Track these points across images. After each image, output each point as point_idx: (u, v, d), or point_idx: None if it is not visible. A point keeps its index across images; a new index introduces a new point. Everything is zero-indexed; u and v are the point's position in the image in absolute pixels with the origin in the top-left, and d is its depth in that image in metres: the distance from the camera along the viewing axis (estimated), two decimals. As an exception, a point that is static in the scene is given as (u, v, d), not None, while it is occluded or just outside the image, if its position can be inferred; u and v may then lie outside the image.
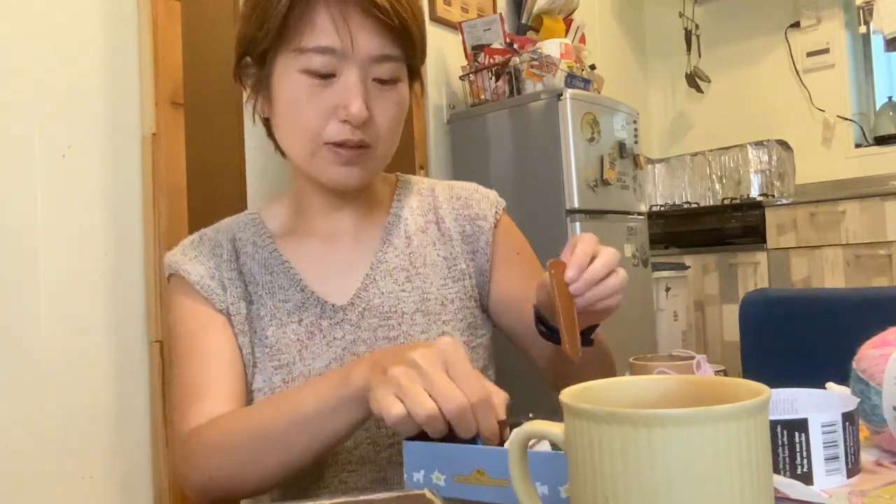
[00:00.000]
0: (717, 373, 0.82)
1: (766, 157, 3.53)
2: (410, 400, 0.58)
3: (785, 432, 0.57)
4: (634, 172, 2.65)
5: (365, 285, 0.87)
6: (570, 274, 0.69)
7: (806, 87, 3.67)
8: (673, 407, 0.38)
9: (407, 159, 2.51)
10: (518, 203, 1.94)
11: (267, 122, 0.87)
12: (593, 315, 0.74)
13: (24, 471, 1.50)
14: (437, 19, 2.68)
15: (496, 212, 0.95)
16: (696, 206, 3.64)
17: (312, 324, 0.84)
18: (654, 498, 0.37)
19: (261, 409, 0.74)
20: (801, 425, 0.57)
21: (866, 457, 0.64)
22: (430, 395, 0.58)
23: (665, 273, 3.00)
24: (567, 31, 2.80)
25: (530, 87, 2.51)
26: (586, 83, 2.57)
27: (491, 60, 2.58)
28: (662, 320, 2.94)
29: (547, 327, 0.77)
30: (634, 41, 4.09)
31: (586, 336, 0.78)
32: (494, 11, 2.86)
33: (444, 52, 2.72)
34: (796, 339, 1.32)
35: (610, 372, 0.89)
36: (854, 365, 0.67)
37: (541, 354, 0.90)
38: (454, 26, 2.71)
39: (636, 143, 2.67)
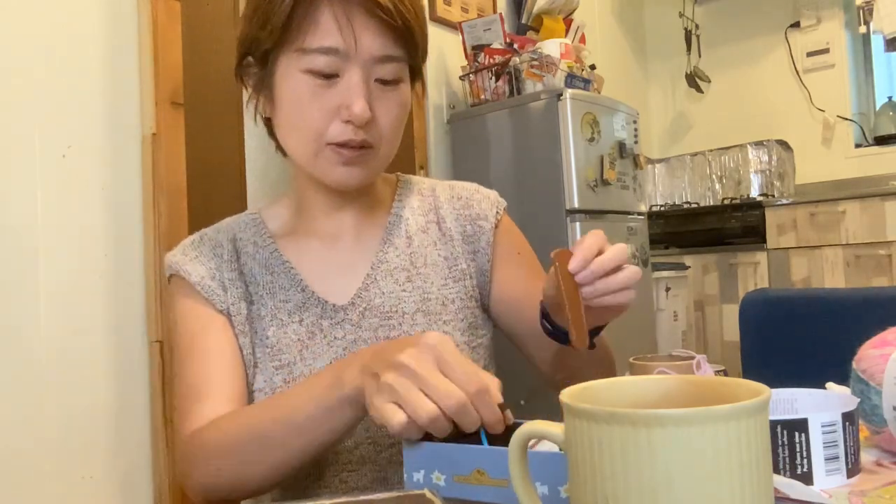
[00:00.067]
0: (717, 373, 0.82)
1: (766, 157, 3.53)
2: (409, 405, 0.57)
3: (785, 432, 0.57)
4: (634, 172, 2.65)
5: (366, 285, 0.87)
6: (574, 263, 0.66)
7: (806, 87, 3.67)
8: (673, 407, 0.38)
9: (407, 159, 2.51)
10: (518, 203, 1.94)
11: (268, 122, 0.87)
12: (603, 312, 0.71)
13: (24, 471, 1.50)
14: (437, 19, 2.68)
15: (497, 212, 0.95)
16: (696, 206, 3.64)
17: (313, 324, 0.84)
18: (654, 498, 0.37)
19: (258, 411, 0.74)
20: (801, 425, 0.57)
21: (866, 457, 0.64)
22: (428, 396, 0.58)
23: (665, 273, 3.00)
24: (567, 31, 2.80)
25: (530, 87, 2.51)
26: (586, 83, 2.57)
27: (491, 60, 2.58)
28: (662, 320, 2.94)
29: (552, 325, 0.77)
30: (634, 41, 4.09)
31: (591, 336, 0.77)
32: (494, 11, 2.86)
33: (444, 52, 2.72)
34: (796, 339, 1.32)
35: (610, 372, 0.89)
36: (854, 365, 0.67)
37: (541, 354, 0.90)
38: (454, 26, 2.71)
39: (636, 143, 2.67)
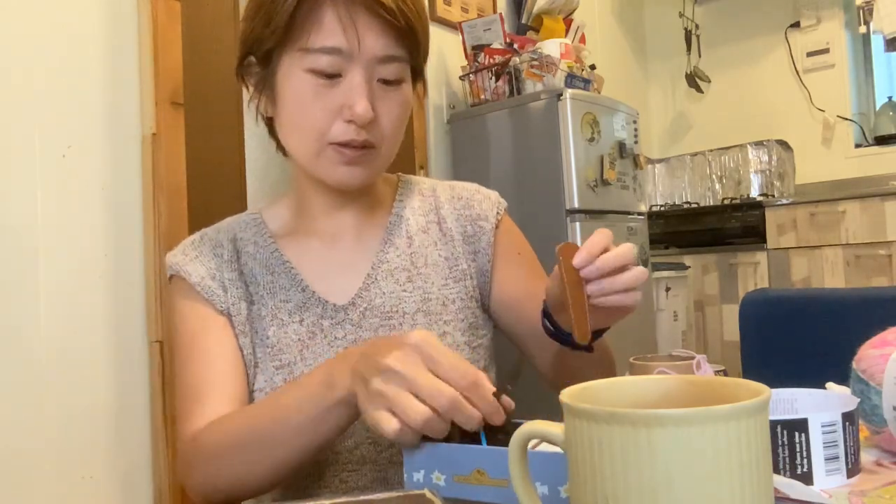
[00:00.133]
0: (717, 373, 0.82)
1: (766, 157, 3.53)
2: (401, 410, 0.57)
3: (785, 432, 0.57)
4: (634, 172, 2.65)
5: (366, 285, 0.87)
6: (579, 258, 0.65)
7: (806, 87, 3.67)
8: (673, 407, 0.38)
9: (407, 159, 2.51)
10: (518, 203, 1.94)
11: (269, 122, 0.87)
12: (607, 314, 0.70)
13: (24, 471, 1.50)
14: (437, 19, 2.68)
15: (497, 212, 0.95)
16: (696, 206, 3.64)
17: (314, 324, 0.84)
18: (654, 498, 0.37)
19: (254, 412, 0.74)
20: (801, 425, 0.57)
21: (866, 457, 0.64)
22: (418, 397, 0.57)
23: (665, 273, 3.00)
24: (567, 31, 2.80)
25: (530, 87, 2.51)
26: (586, 83, 2.57)
27: (491, 60, 2.58)
28: (662, 320, 2.94)
29: (553, 325, 0.77)
30: (634, 41, 4.10)
31: (594, 338, 0.77)
32: (494, 11, 2.86)
33: (444, 52, 2.72)
34: (796, 339, 1.32)
35: (610, 372, 0.89)
36: (854, 365, 0.67)
37: (542, 354, 0.90)
38: (454, 26, 2.71)
39: (636, 143, 2.67)
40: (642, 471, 0.37)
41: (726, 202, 3.50)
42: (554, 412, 0.46)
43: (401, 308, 0.86)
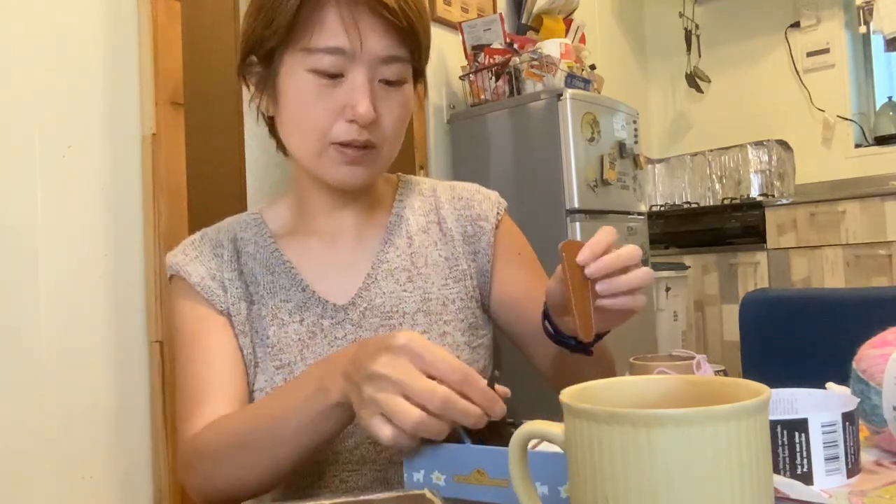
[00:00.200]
0: (717, 373, 0.82)
1: (766, 157, 3.53)
2: (394, 415, 0.56)
3: (785, 432, 0.57)
4: (634, 172, 2.65)
5: (366, 285, 0.87)
6: (583, 254, 0.65)
7: (806, 87, 3.67)
8: (673, 407, 0.38)
9: (407, 159, 2.51)
10: (518, 203, 1.94)
11: (270, 121, 0.87)
12: (610, 316, 0.69)
13: (24, 471, 1.50)
14: (437, 19, 2.68)
15: (497, 213, 0.95)
16: (696, 206, 3.64)
17: (314, 323, 0.84)
18: (654, 498, 0.37)
19: (253, 413, 0.73)
20: (801, 425, 0.57)
21: (866, 457, 0.64)
22: (411, 400, 0.56)
23: (665, 273, 3.00)
24: (567, 31, 2.81)
25: (530, 87, 2.51)
26: (586, 83, 2.57)
27: (491, 60, 2.58)
28: (662, 320, 2.94)
29: (554, 328, 0.77)
30: (634, 41, 4.09)
31: (594, 341, 0.77)
32: (494, 11, 2.87)
33: (444, 52, 2.72)
34: (796, 339, 1.32)
35: (610, 373, 0.89)
36: (854, 365, 0.67)
37: (542, 354, 0.90)
38: (454, 26, 2.71)
39: (636, 143, 2.68)
40: (642, 471, 0.37)
41: (726, 202, 3.50)
42: (554, 412, 0.46)
43: (401, 308, 0.86)
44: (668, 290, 2.99)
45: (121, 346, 1.68)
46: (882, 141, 3.51)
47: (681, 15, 3.91)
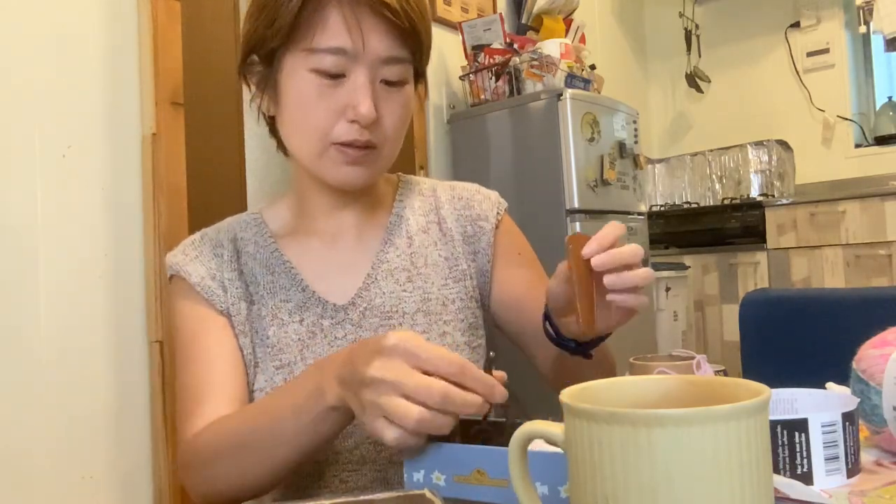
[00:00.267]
0: (717, 373, 0.82)
1: (766, 157, 3.53)
2: (396, 416, 0.56)
3: (785, 432, 0.57)
4: (634, 172, 2.65)
5: (366, 285, 0.87)
6: (589, 247, 0.65)
7: (806, 87, 3.67)
8: (673, 407, 0.38)
9: (407, 159, 2.51)
10: (518, 203, 1.93)
11: (271, 121, 0.87)
12: (614, 314, 0.69)
13: (24, 471, 1.50)
14: (437, 19, 2.68)
15: (497, 213, 0.95)
16: (696, 206, 3.64)
17: (314, 323, 0.84)
18: (654, 498, 0.37)
19: (253, 414, 0.73)
20: (801, 425, 0.57)
21: (866, 457, 0.64)
22: (410, 399, 0.56)
23: (665, 273, 3.00)
24: (567, 31, 2.81)
25: (530, 87, 2.51)
26: (586, 83, 2.57)
27: (491, 60, 2.58)
28: (662, 320, 2.94)
29: (555, 330, 0.76)
30: (634, 41, 4.10)
31: (595, 344, 0.77)
32: (494, 11, 2.87)
33: (444, 52, 2.73)
34: (796, 339, 1.32)
35: (610, 373, 0.89)
36: (854, 365, 0.67)
37: (542, 354, 0.90)
38: (454, 26, 2.71)
39: (636, 143, 2.68)
40: (642, 471, 0.37)
41: (726, 202, 3.50)
42: (554, 412, 0.46)
43: (401, 308, 0.86)
44: (668, 290, 2.99)
45: (121, 346, 1.68)
46: (882, 141, 3.52)
47: (681, 15, 3.91)
